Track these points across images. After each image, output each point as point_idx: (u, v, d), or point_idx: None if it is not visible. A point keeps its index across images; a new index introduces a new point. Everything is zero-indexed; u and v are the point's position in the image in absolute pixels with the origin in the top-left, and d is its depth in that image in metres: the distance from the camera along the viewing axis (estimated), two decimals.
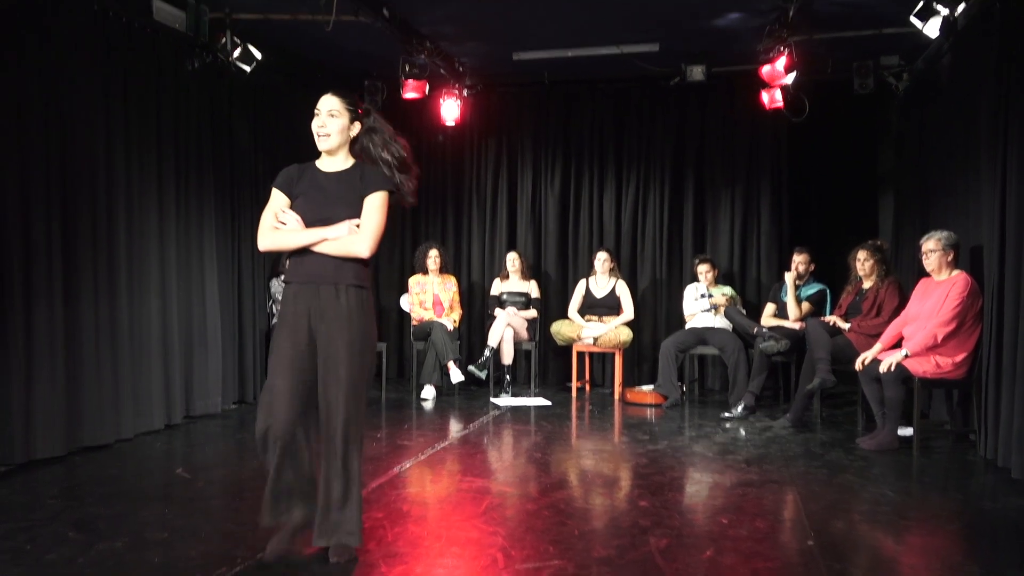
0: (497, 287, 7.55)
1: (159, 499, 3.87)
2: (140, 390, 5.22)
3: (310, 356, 2.93)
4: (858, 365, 5.26)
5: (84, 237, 4.77)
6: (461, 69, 7.36)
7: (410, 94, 6.93)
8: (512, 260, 7.47)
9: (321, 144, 3.01)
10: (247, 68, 5.92)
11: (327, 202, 2.95)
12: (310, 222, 2.94)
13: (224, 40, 5.77)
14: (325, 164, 3.06)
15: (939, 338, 4.91)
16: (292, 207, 2.98)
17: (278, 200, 3.01)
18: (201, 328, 5.87)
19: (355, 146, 3.08)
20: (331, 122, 2.99)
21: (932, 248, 5.09)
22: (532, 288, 7.50)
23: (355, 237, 2.91)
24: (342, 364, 2.89)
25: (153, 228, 5.39)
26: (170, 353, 5.53)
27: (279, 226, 2.95)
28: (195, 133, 5.83)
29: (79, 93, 4.75)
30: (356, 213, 2.94)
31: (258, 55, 5.92)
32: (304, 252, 2.93)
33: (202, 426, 5.63)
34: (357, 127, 3.05)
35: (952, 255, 5.06)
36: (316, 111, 3.01)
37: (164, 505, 3.74)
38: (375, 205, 2.96)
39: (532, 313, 7.40)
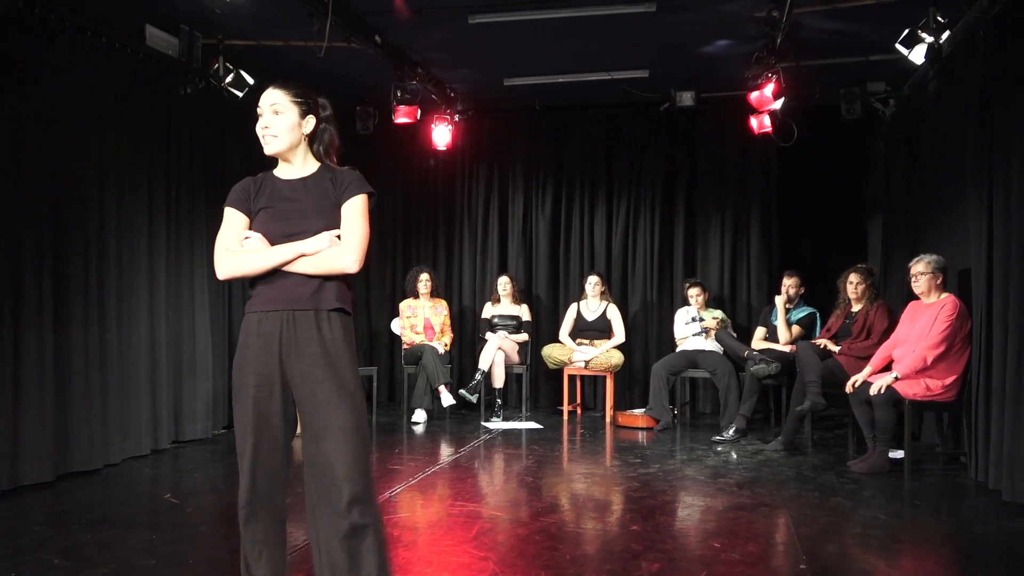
0: (488, 311, 7.55)
1: (147, 525, 3.83)
2: (128, 415, 5.18)
3: (282, 400, 2.41)
4: (849, 388, 5.27)
5: (74, 262, 4.76)
6: (452, 94, 7.42)
7: (402, 119, 6.97)
8: (503, 284, 7.49)
9: (268, 147, 2.51)
10: (239, 93, 5.95)
11: (297, 214, 2.45)
12: (277, 240, 2.42)
13: (217, 66, 5.81)
14: (284, 171, 2.55)
15: (929, 361, 4.94)
16: (253, 226, 2.49)
17: (234, 221, 2.50)
18: (190, 353, 5.85)
19: (315, 145, 2.58)
20: (276, 120, 2.48)
21: (921, 271, 5.12)
22: (523, 312, 7.51)
23: (339, 250, 2.39)
24: (337, 410, 2.35)
25: (143, 253, 5.39)
26: (158, 378, 5.50)
27: (237, 249, 2.45)
28: (187, 158, 5.84)
29: (72, 118, 4.77)
30: (333, 224, 2.44)
31: (251, 80, 5.95)
32: (274, 274, 2.41)
33: (191, 451, 5.58)
34: (312, 122, 2.53)
35: (941, 278, 5.10)
36: (259, 111, 2.51)
37: (151, 531, 3.70)
38: (356, 211, 2.45)
39: (523, 336, 7.40)
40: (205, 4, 4.63)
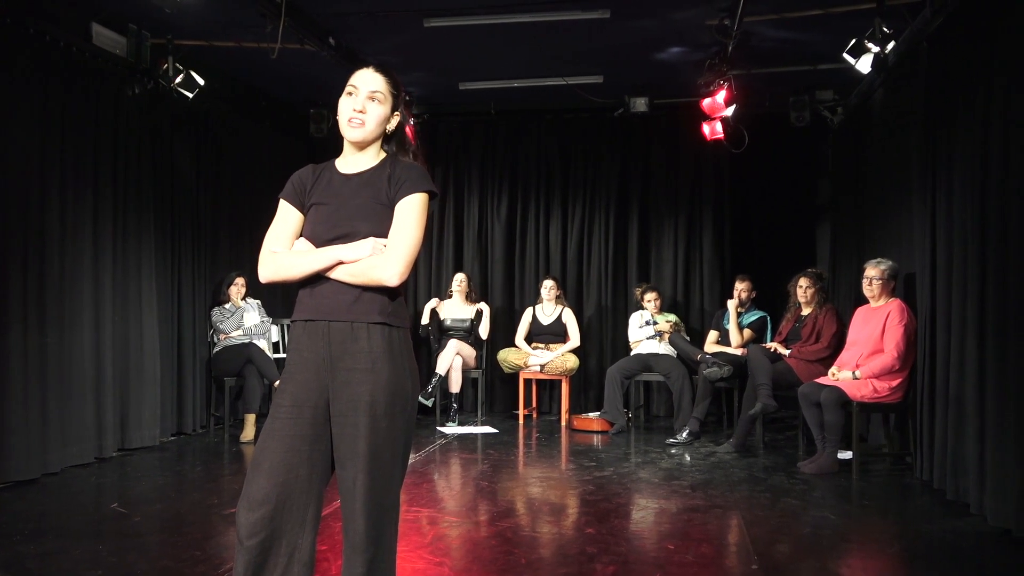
0: (440, 309, 7.44)
1: (92, 535, 3.72)
2: (70, 422, 5.01)
3: (319, 422, 2.16)
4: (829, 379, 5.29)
5: (12, 264, 4.61)
6: (408, 98, 7.34)
7: None
8: (459, 281, 7.43)
9: (353, 133, 2.27)
10: (189, 95, 5.84)
11: (344, 215, 2.21)
12: (321, 242, 2.20)
13: (166, 66, 5.69)
14: (345, 163, 2.32)
15: (898, 365, 5.02)
16: (304, 223, 2.28)
17: (285, 216, 2.27)
18: (138, 358, 5.70)
19: (386, 144, 2.37)
20: (372, 108, 2.26)
21: (876, 277, 5.21)
22: (473, 312, 7.40)
23: (380, 259, 2.15)
24: (362, 435, 2.11)
25: (88, 256, 5.23)
26: (103, 384, 5.33)
27: (279, 250, 2.24)
28: (135, 160, 5.70)
29: (13, 118, 4.63)
30: (382, 227, 2.19)
31: (201, 81, 5.84)
32: (315, 281, 2.19)
33: (138, 459, 5.45)
34: (396, 119, 2.34)
35: (892, 285, 5.22)
36: (351, 88, 2.28)
37: (97, 542, 3.61)
38: (410, 213, 2.19)
39: (471, 350, 7.30)
40: (154, 3, 4.54)
